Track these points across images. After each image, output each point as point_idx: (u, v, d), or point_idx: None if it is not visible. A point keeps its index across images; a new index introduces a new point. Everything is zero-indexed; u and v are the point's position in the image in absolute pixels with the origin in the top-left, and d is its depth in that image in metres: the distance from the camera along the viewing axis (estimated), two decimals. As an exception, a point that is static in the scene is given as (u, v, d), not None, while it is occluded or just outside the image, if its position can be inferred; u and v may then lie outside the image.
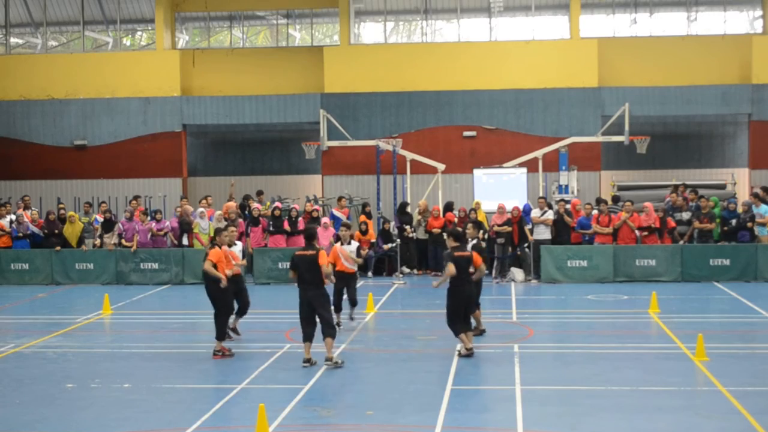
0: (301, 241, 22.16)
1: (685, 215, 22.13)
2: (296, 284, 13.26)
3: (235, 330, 15.21)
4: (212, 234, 21.86)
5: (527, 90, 30.09)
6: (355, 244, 16.09)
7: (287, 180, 32.16)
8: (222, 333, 13.99)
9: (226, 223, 21.59)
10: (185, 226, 22.45)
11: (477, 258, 13.95)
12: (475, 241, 15.28)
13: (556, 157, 28.14)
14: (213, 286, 13.83)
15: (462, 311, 13.66)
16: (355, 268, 15.88)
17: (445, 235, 14.47)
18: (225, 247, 14.40)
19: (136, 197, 24.99)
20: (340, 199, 24.53)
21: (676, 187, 25.33)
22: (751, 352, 14.00)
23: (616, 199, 23.69)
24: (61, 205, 24.85)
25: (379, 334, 15.98)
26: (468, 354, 13.38)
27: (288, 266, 13.34)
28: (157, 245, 22.46)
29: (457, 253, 13.65)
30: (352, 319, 16.17)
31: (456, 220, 22.88)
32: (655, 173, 30.41)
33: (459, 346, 13.58)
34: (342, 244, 15.72)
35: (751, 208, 21.73)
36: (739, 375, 12.18)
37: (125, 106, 31.27)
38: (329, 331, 13.02)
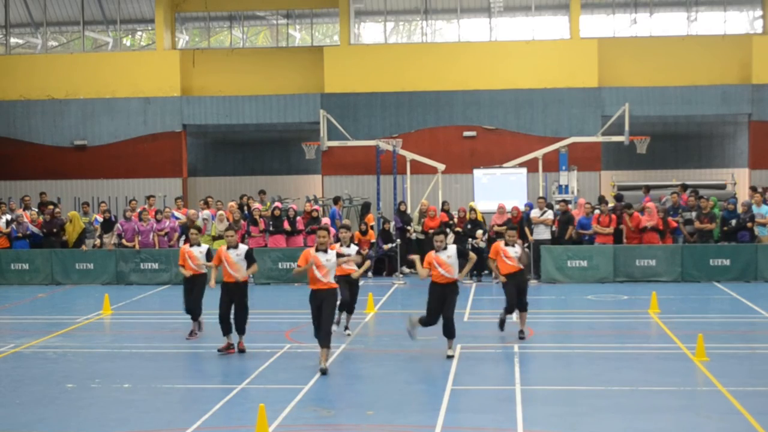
0: (300, 241, 22.23)
1: (686, 215, 22.14)
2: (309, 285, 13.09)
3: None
4: (214, 234, 21.89)
5: (527, 90, 30.09)
6: (354, 247, 15.85)
7: (287, 180, 32.17)
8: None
9: (228, 223, 21.61)
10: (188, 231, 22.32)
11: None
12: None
13: (556, 157, 28.13)
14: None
15: (436, 307, 13.55)
16: (355, 269, 15.54)
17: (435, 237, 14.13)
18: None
19: (149, 196, 25.03)
20: (336, 200, 24.49)
21: (659, 187, 25.46)
22: (751, 352, 13.98)
23: (601, 199, 23.48)
24: (50, 206, 24.51)
25: (379, 334, 15.96)
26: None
27: (289, 265, 13.30)
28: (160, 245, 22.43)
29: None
30: (346, 328, 15.50)
31: (456, 220, 22.91)
32: (655, 173, 30.42)
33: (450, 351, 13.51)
34: (342, 245, 15.44)
35: (751, 208, 21.72)
36: (739, 375, 12.17)
37: (125, 106, 31.28)
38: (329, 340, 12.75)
